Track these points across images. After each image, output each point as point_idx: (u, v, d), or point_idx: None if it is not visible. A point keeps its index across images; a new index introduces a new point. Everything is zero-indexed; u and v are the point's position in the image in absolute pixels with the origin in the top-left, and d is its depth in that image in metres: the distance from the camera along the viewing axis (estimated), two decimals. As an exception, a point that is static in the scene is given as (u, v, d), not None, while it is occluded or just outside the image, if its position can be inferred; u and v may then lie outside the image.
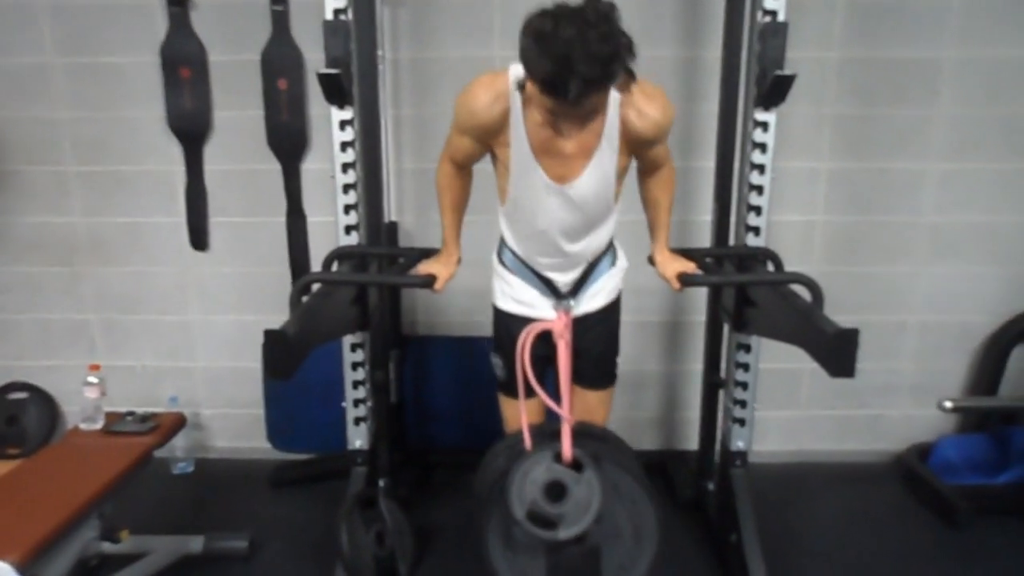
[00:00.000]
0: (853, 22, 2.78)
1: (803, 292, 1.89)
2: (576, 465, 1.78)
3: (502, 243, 2.04)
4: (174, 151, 2.96)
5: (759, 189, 2.29)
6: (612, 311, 2.05)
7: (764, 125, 2.25)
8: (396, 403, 2.91)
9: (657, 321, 3.09)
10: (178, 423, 2.57)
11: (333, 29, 2.15)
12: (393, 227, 2.89)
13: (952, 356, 3.09)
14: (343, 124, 2.26)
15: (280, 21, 2.80)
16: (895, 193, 2.94)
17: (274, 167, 2.95)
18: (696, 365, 2.97)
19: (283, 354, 1.67)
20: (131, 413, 2.55)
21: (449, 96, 2.87)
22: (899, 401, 3.13)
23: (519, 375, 1.88)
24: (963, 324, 3.06)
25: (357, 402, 2.46)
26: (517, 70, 1.61)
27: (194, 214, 3.02)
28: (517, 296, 2.00)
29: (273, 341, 1.65)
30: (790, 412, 3.16)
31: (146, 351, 3.19)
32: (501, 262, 2.04)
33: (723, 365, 2.62)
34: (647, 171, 1.97)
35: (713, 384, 2.73)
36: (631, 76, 1.49)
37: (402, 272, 2.03)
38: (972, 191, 2.93)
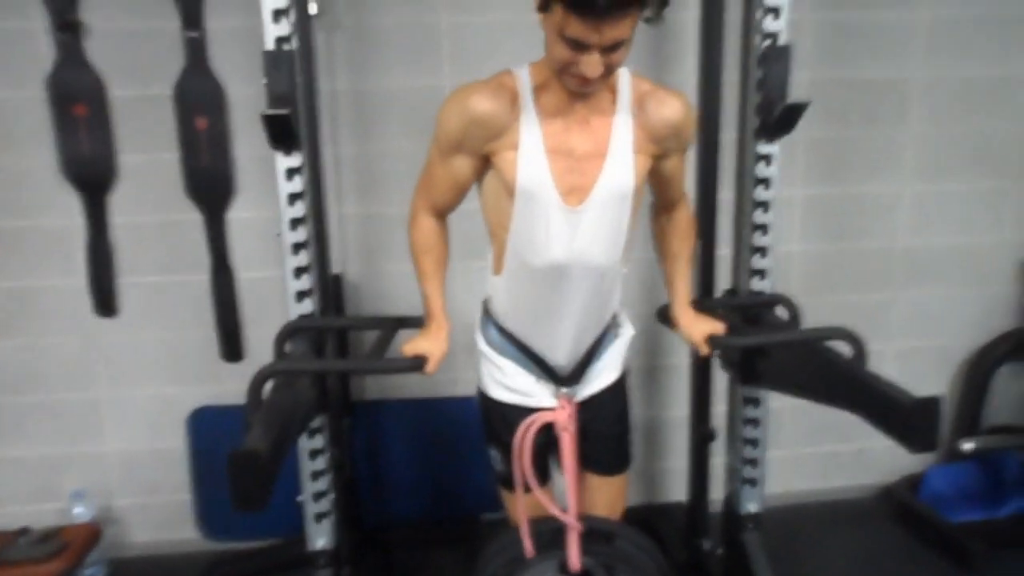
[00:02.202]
0: (822, 42, 2.64)
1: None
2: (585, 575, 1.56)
3: (487, 317, 1.74)
4: (71, 202, 2.50)
5: (764, 228, 2.08)
6: (621, 385, 1.79)
7: (767, 158, 2.04)
8: (348, 479, 2.55)
9: (634, 365, 2.85)
10: (90, 539, 2.11)
11: (276, 61, 1.80)
12: (337, 281, 2.54)
13: (933, 381, 2.99)
14: (291, 172, 1.90)
15: (196, 50, 2.39)
16: (870, 217, 2.82)
17: (195, 217, 2.53)
18: (678, 412, 2.75)
19: (256, 478, 1.31)
20: (25, 531, 2.07)
21: (396, 131, 2.59)
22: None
23: (518, 474, 1.64)
24: (941, 348, 2.97)
25: (318, 495, 2.09)
26: (517, 67, 1.48)
27: (98, 274, 2.55)
28: (510, 383, 1.71)
29: (242, 465, 1.29)
30: (774, 452, 2.94)
31: (42, 437, 2.69)
32: (487, 341, 1.73)
33: (726, 414, 2.39)
34: (662, 206, 1.72)
35: (704, 436, 2.51)
36: (664, 4, 1.33)
37: (381, 351, 1.69)
38: (945, 212, 2.84)
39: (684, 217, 1.74)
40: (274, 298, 2.57)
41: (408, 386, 2.76)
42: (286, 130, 1.79)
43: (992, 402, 2.92)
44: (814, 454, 3.00)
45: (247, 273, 2.59)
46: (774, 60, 1.94)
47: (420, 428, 2.74)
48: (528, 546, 1.64)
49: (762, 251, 2.09)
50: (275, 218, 2.46)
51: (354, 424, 2.67)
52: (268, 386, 1.65)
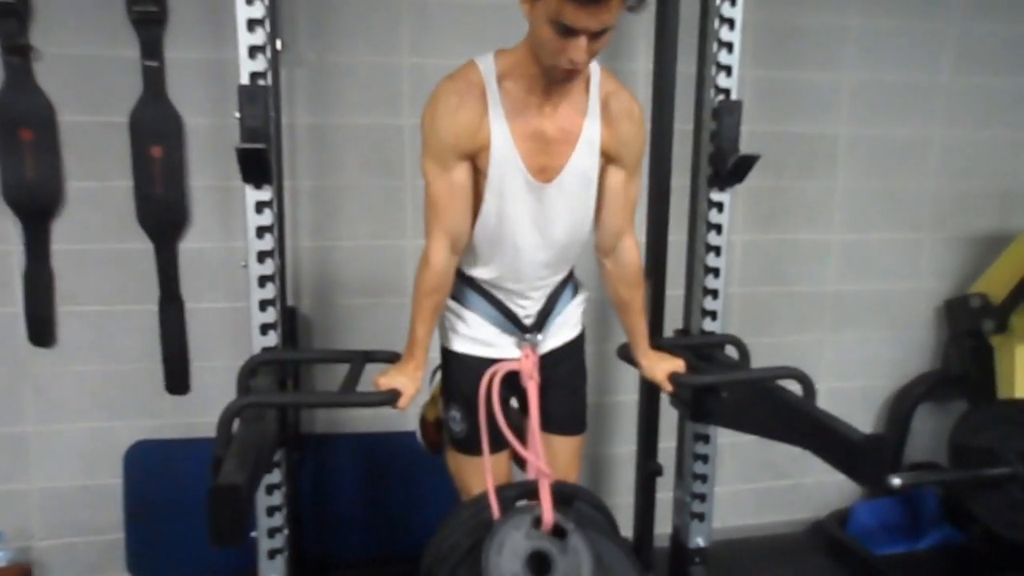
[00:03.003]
0: (759, 98, 2.81)
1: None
2: (557, 531, 1.55)
3: (456, 275, 1.73)
4: (8, 228, 2.41)
5: (715, 272, 2.19)
6: (579, 344, 1.85)
7: (719, 205, 2.15)
8: (295, 514, 2.50)
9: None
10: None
11: (251, 96, 1.80)
12: (292, 314, 2.52)
13: (857, 420, 3.10)
14: (260, 206, 1.90)
15: (153, 79, 2.37)
16: (803, 263, 2.99)
17: (144, 246, 2.48)
18: (624, 448, 2.82)
19: (236, 513, 1.30)
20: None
21: (354, 167, 2.62)
22: (813, 468, 3.13)
23: (483, 425, 1.65)
24: (865, 388, 3.14)
25: (273, 531, 2.05)
26: (480, 56, 1.54)
27: (35, 302, 2.46)
28: (475, 335, 1.73)
29: (223, 499, 1.28)
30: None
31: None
32: (453, 296, 1.74)
33: (674, 450, 2.46)
34: (606, 245, 1.75)
35: (651, 472, 2.58)
36: None
37: (352, 385, 1.69)
38: (870, 261, 3.03)
39: (630, 260, 1.76)
40: (222, 330, 2.55)
41: (359, 420, 2.74)
42: (260, 164, 1.79)
43: (911, 440, 3.10)
44: (750, 490, 3.11)
45: (196, 304, 2.55)
46: (727, 114, 2.07)
47: (369, 463, 2.72)
48: (495, 507, 1.59)
49: (713, 293, 2.20)
50: (227, 249, 2.47)
51: (303, 459, 2.63)
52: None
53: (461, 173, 1.56)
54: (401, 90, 2.55)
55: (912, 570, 2.76)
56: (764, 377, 1.87)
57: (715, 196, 2.15)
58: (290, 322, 2.43)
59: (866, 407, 3.16)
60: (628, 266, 1.77)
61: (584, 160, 1.58)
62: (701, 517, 2.28)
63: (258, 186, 1.89)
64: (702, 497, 2.28)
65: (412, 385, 1.66)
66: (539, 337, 1.74)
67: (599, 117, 1.58)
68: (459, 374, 1.75)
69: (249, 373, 1.81)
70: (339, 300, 2.65)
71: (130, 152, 2.39)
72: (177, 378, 2.56)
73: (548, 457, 1.71)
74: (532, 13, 1.40)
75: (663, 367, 1.82)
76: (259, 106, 1.82)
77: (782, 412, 1.76)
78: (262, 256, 1.92)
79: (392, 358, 1.81)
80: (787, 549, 3.02)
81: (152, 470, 2.59)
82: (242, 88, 1.81)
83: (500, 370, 1.67)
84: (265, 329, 1.94)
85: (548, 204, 1.59)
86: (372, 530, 2.73)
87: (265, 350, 1.91)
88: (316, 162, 2.55)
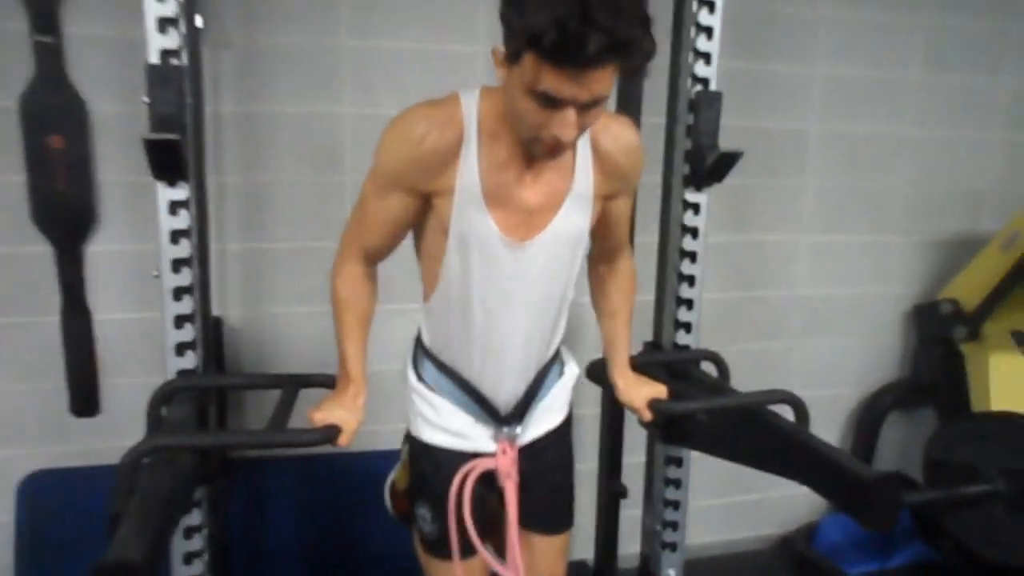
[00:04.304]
0: (727, 90, 2.63)
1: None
2: None
3: (420, 351, 1.52)
4: None
5: (690, 280, 2.00)
6: (566, 430, 1.62)
7: (696, 207, 1.96)
8: (222, 547, 2.23)
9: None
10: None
11: (163, 78, 1.53)
12: (217, 325, 2.23)
13: (825, 429, 2.98)
14: (175, 206, 1.62)
15: (50, 58, 2.06)
16: (771, 266, 2.83)
17: (42, 250, 2.17)
18: (583, 465, 2.61)
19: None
20: None
21: (288, 160, 2.34)
22: (780, 481, 2.98)
23: (453, 534, 1.45)
24: (834, 397, 3.02)
25: (193, 581, 1.78)
26: (466, 94, 1.27)
27: (-89, 316, 2.13)
28: (445, 424, 1.49)
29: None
30: (676, 505, 2.91)
31: None
32: (420, 378, 1.51)
33: (643, 467, 2.26)
34: (602, 255, 1.57)
35: (615, 493, 2.38)
36: (647, 59, 1.11)
37: (283, 418, 1.44)
38: (839, 264, 2.90)
39: (626, 269, 1.60)
40: (137, 343, 2.26)
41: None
42: (173, 158, 1.52)
43: (880, 449, 2.98)
44: (716, 505, 2.95)
45: (107, 315, 2.25)
46: (705, 106, 1.88)
47: (308, 489, 2.46)
48: None
49: (688, 303, 2.01)
50: (142, 252, 2.17)
51: (232, 486, 2.35)
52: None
53: (399, 204, 1.32)
54: (340, 75, 2.28)
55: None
56: (755, 402, 1.67)
57: (691, 197, 1.95)
58: (215, 336, 2.15)
59: (834, 416, 3.04)
60: (624, 272, 1.60)
61: (571, 219, 1.35)
62: (673, 547, 2.10)
63: (171, 183, 1.61)
64: (674, 525, 2.09)
65: (353, 418, 1.42)
66: (518, 429, 1.51)
67: (590, 164, 1.34)
68: (428, 467, 1.52)
69: (161, 402, 1.54)
70: (273, 309, 2.38)
71: (22, 142, 2.07)
72: (83, 398, 2.25)
73: (529, 561, 1.55)
74: (508, 79, 1.16)
75: (643, 392, 1.61)
76: (172, 90, 1.54)
77: (772, 440, 1.58)
78: (177, 265, 1.64)
79: (330, 382, 1.57)
80: (754, 567, 2.87)
81: (51, 503, 2.27)
82: (151, 68, 1.54)
83: (473, 471, 1.46)
84: (181, 349, 1.67)
85: (526, 265, 1.35)
86: (312, 564, 2.48)
87: (182, 374, 1.64)
88: (245, 155, 2.27)
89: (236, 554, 2.35)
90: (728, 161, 1.85)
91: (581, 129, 1.16)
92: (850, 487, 1.39)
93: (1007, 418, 2.45)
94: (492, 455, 1.48)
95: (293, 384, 1.55)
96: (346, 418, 1.41)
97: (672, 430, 1.94)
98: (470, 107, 1.26)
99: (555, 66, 1.06)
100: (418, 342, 1.53)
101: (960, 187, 2.95)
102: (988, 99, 2.91)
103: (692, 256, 1.98)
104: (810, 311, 2.91)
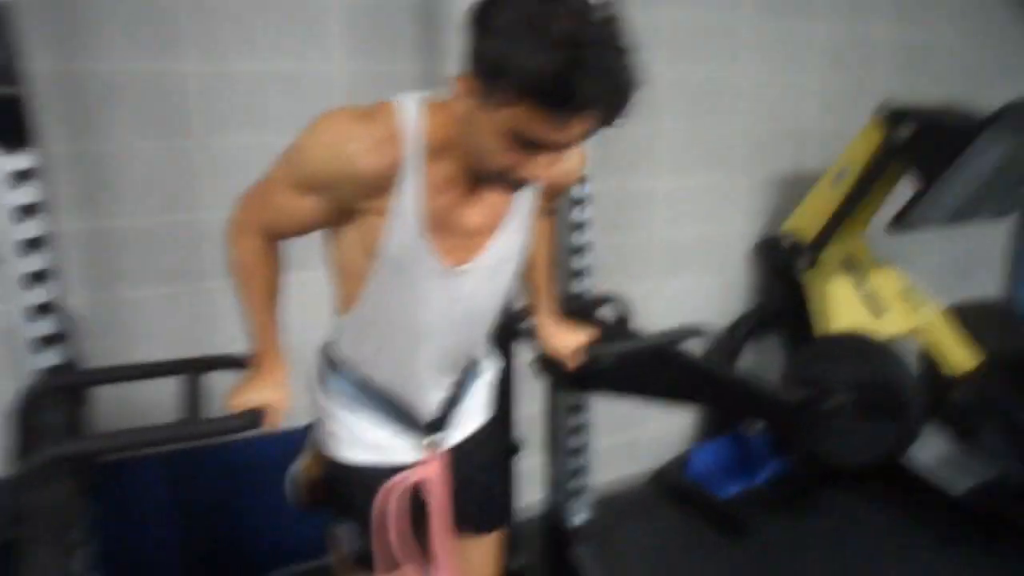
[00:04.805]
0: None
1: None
2: None
3: (329, 365, 1.40)
4: None
5: (579, 226, 2.00)
6: (493, 428, 1.56)
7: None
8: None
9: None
10: None
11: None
12: (58, 317, 1.95)
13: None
14: (19, 177, 1.37)
15: None
16: (634, 211, 2.91)
17: None
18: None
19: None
20: None
21: (127, 127, 2.07)
22: (649, 419, 3.13)
23: (378, 553, 1.38)
24: (693, 334, 3.18)
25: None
26: (405, 107, 1.11)
27: None
28: (366, 439, 1.38)
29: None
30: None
31: None
32: (330, 395, 1.40)
33: (554, 424, 2.25)
34: None
35: (509, 449, 2.37)
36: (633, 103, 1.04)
37: (194, 409, 1.27)
38: (693, 206, 3.03)
39: (547, 221, 1.56)
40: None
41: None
42: (14, 116, 1.28)
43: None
44: (593, 450, 3.02)
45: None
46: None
47: (185, 483, 2.24)
48: None
49: (579, 250, 2.00)
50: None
51: (96, 494, 2.09)
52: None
53: (314, 207, 1.18)
54: (181, 25, 2.04)
55: (757, 506, 2.83)
56: (673, 340, 1.71)
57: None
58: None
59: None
60: (543, 222, 1.54)
61: (512, 237, 1.28)
62: (579, 492, 2.12)
63: (12, 148, 1.36)
64: (578, 472, 2.11)
65: (280, 395, 1.30)
66: (441, 435, 1.43)
67: (531, 190, 1.26)
68: (352, 487, 1.41)
69: (31, 406, 1.32)
70: (123, 294, 2.11)
71: None
72: None
73: (462, 563, 1.49)
74: (474, 114, 1.05)
75: (569, 340, 1.59)
76: (4, 35, 1.29)
77: (689, 374, 1.61)
78: (29, 246, 1.40)
79: (238, 362, 1.42)
80: (633, 502, 2.98)
81: None
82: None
83: (396, 487, 1.37)
84: (48, 342, 1.43)
85: (463, 289, 1.27)
86: (194, 560, 2.27)
87: (54, 372, 1.41)
88: (74, 120, 1.97)
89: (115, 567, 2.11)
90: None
91: (551, 174, 1.10)
92: (775, 410, 1.45)
93: (847, 338, 2.68)
94: (417, 465, 1.40)
95: (196, 369, 1.37)
96: (271, 397, 1.28)
97: (573, 376, 1.94)
98: (410, 124, 1.12)
99: (546, 112, 0.97)
100: (326, 355, 1.41)
101: (787, 127, 3.18)
102: (807, 44, 3.14)
103: (580, 204, 1.97)
104: (670, 253, 3.03)
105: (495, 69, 0.97)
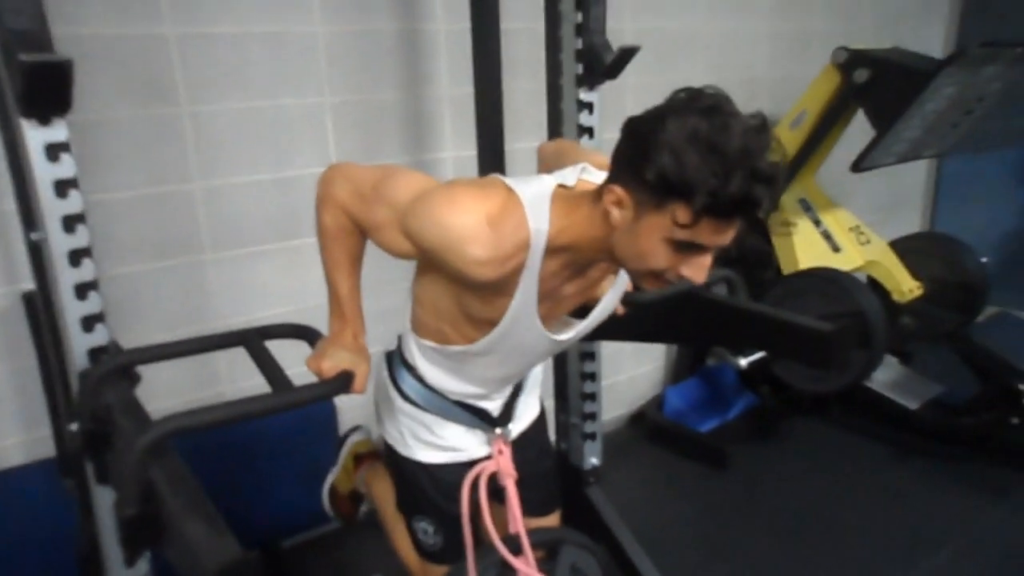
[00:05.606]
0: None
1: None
2: None
3: (403, 367, 1.45)
4: None
5: (590, 179, 2.03)
6: (543, 417, 1.65)
7: (590, 106, 1.98)
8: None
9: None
10: None
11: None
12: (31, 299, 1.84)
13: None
14: (54, 151, 1.30)
15: None
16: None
17: None
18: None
19: None
20: None
21: (108, 93, 1.97)
22: (625, 365, 3.24)
23: (469, 544, 1.46)
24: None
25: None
26: (537, 212, 1.12)
27: None
28: (439, 440, 1.46)
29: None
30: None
31: None
32: (406, 397, 1.45)
33: (563, 373, 2.29)
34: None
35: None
36: None
37: (282, 380, 1.24)
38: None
39: None
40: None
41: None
42: (61, 86, 1.21)
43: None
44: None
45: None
46: (593, 3, 1.88)
47: (186, 459, 2.19)
48: None
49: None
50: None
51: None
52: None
53: (414, 252, 1.21)
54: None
55: (733, 437, 3.00)
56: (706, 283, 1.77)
57: (585, 96, 1.96)
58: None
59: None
60: None
61: (607, 305, 1.37)
62: (593, 436, 2.20)
63: (46, 120, 1.29)
64: (592, 416, 2.19)
65: (362, 359, 1.30)
66: (509, 428, 1.51)
67: None
68: (426, 486, 1.49)
69: (100, 383, 1.27)
70: (115, 270, 2.03)
71: None
72: None
73: None
74: (633, 223, 1.05)
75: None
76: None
77: (720, 315, 1.69)
78: (69, 222, 1.33)
79: (294, 332, 1.42)
80: (616, 443, 3.09)
81: None
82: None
83: (481, 475, 1.45)
84: (90, 323, 1.37)
85: (557, 345, 1.35)
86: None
87: (123, 349, 1.36)
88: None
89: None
90: (626, 57, 1.88)
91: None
92: (811, 342, 1.55)
93: (815, 273, 2.83)
94: (488, 458, 1.47)
95: (256, 338, 1.35)
96: (356, 360, 1.28)
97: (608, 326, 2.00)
98: (539, 224, 1.12)
99: (715, 220, 1.00)
100: (401, 358, 1.46)
101: (740, 75, 3.29)
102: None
103: (589, 155, 2.01)
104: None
105: (671, 188, 0.99)
